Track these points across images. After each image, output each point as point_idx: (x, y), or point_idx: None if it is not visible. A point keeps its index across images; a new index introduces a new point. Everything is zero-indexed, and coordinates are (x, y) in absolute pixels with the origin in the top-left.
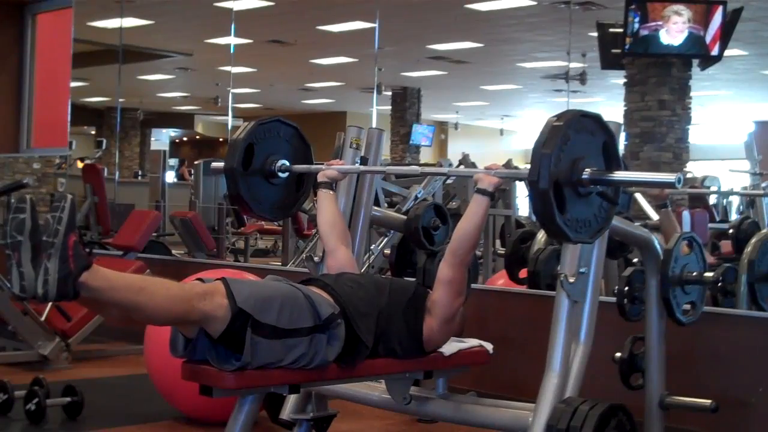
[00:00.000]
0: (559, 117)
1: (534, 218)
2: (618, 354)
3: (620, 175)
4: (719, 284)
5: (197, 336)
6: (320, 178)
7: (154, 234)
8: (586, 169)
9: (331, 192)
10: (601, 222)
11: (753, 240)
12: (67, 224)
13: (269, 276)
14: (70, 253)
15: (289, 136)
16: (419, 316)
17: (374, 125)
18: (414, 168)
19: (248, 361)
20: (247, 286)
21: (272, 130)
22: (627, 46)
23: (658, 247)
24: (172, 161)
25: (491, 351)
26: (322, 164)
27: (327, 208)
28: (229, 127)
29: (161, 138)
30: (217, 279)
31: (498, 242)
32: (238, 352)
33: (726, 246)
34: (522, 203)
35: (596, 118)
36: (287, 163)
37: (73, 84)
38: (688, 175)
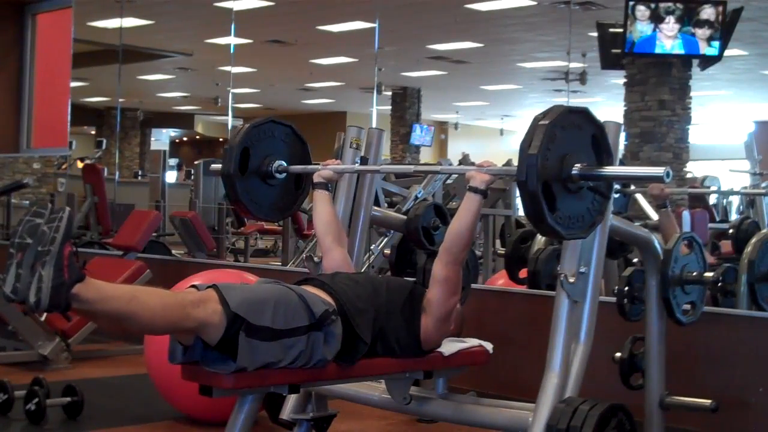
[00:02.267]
0: (545, 114)
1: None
2: (618, 354)
3: (609, 170)
4: (719, 284)
5: (194, 343)
6: (315, 178)
7: (154, 234)
8: (576, 165)
9: (327, 192)
10: (594, 215)
11: (753, 240)
12: (64, 234)
13: (260, 279)
14: (65, 263)
15: (285, 136)
16: (416, 315)
17: (374, 125)
18: (408, 167)
19: (244, 366)
20: (239, 291)
21: (267, 132)
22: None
23: (658, 247)
24: (172, 161)
25: (491, 351)
26: (319, 164)
27: (322, 209)
28: (229, 127)
29: (161, 138)
30: (209, 286)
31: (498, 242)
32: (235, 357)
33: (726, 246)
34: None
35: (584, 112)
36: (284, 164)
37: (73, 84)
38: (688, 175)
